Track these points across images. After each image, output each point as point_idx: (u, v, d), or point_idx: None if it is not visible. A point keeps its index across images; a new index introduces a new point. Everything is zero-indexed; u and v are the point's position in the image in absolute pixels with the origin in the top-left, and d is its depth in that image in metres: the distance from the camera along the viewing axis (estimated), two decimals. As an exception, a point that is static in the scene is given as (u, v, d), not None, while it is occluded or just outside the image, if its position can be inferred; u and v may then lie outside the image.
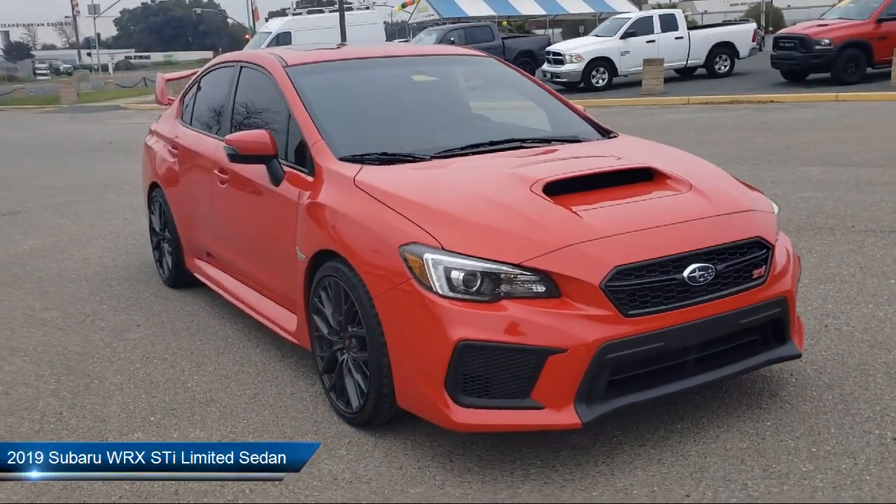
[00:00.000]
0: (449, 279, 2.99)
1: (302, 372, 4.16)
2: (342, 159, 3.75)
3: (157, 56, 61.06)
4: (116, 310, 5.38)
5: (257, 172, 4.17)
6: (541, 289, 2.97)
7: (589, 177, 3.45)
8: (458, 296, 2.98)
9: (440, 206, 3.25)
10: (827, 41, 18.40)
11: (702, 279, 3.07)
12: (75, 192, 10.08)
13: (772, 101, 16.82)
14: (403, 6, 40.60)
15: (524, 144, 4.04)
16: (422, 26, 34.01)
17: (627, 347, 2.96)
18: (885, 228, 6.17)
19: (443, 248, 3.03)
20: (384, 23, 30.05)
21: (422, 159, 3.78)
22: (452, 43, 21.56)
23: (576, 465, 3.14)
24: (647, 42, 20.81)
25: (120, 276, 6.14)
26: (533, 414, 2.96)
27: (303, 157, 3.97)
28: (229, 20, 69.96)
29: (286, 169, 3.99)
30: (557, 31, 44.08)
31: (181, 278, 5.63)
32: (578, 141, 4.20)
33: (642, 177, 3.55)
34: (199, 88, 5.49)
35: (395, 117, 4.37)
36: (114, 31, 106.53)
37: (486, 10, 35.98)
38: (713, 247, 3.14)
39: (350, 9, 30.11)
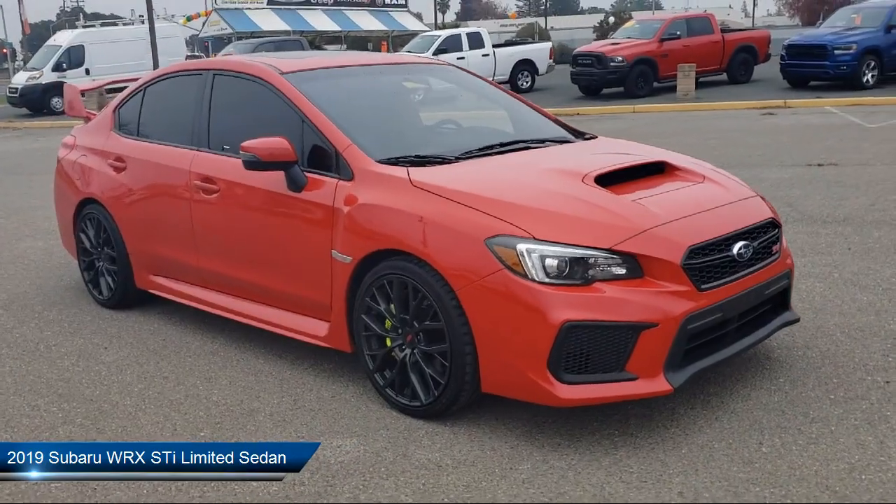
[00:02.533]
0: (544, 266, 3.22)
1: (325, 376, 4.18)
2: (381, 162, 3.85)
3: None
4: (63, 334, 5.02)
5: (267, 179, 4.14)
6: (623, 270, 3.28)
7: (623, 170, 3.81)
8: (555, 281, 3.22)
9: (514, 200, 3.46)
10: (620, 58, 20.23)
11: (745, 255, 3.52)
12: None
13: (578, 114, 18.21)
14: (189, 19, 39.28)
15: (529, 145, 4.32)
16: (218, 40, 33.16)
17: (702, 318, 3.35)
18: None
19: (535, 238, 3.26)
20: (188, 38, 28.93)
21: (450, 161, 3.96)
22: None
23: (650, 431, 3.47)
24: (458, 59, 21.70)
25: (41, 301, 5.70)
26: (629, 385, 3.26)
27: (321, 163, 4.01)
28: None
29: (308, 175, 4.01)
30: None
31: (126, 298, 5.34)
32: (569, 142, 4.55)
33: (659, 169, 3.97)
34: (144, 99, 5.25)
35: (401, 121, 4.50)
36: None
37: (281, 25, 35.71)
38: (749, 226, 3.62)
39: (142, 21, 28.73)
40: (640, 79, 20.32)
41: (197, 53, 31.02)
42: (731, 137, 12.42)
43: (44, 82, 24.02)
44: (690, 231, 3.42)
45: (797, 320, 4.05)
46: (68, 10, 39.86)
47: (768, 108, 16.69)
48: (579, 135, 4.76)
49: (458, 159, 3.99)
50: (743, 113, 16.48)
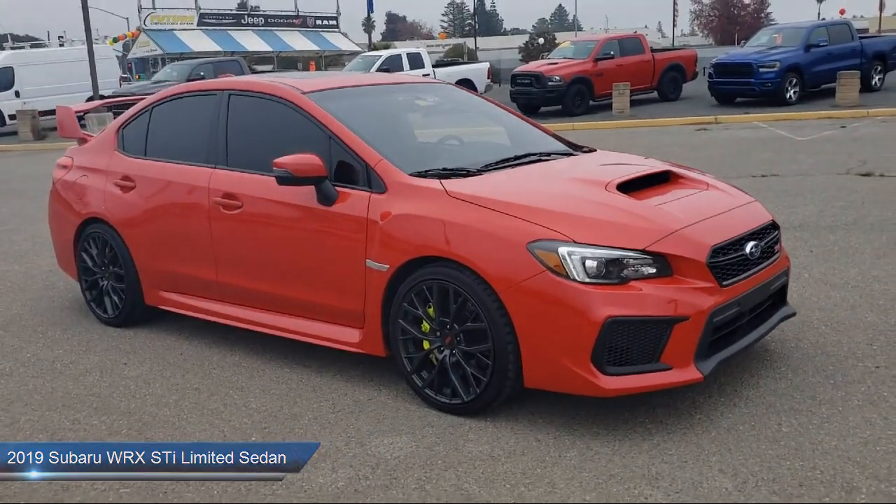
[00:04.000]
0: (584, 268, 3.50)
1: (356, 382, 4.35)
2: (413, 175, 4.08)
3: None
4: (76, 353, 5.06)
5: (295, 194, 4.31)
6: (654, 270, 3.58)
7: (640, 178, 4.13)
8: (596, 281, 3.50)
9: (550, 207, 3.73)
10: (558, 78, 20.84)
11: (755, 254, 3.87)
12: None
13: (520, 131, 18.69)
14: (115, 41, 38.63)
15: (541, 158, 4.61)
16: (146, 61, 32.71)
17: (725, 311, 3.67)
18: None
19: (575, 242, 3.53)
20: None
21: (475, 173, 4.21)
22: (202, 77, 21.17)
23: (677, 418, 3.76)
24: (398, 78, 22.05)
25: (40, 321, 5.70)
26: (664, 374, 3.55)
27: (349, 177, 4.21)
28: None
29: (339, 189, 4.20)
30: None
31: (134, 315, 5.41)
32: (573, 154, 4.86)
33: (666, 178, 4.30)
34: (151, 119, 5.35)
35: (416, 137, 4.72)
36: None
37: (211, 46, 35.45)
38: (756, 228, 3.97)
39: (71, 43, 28.17)
40: (577, 97, 20.97)
41: (125, 75, 30.43)
42: (673, 152, 13.00)
43: (-32, 104, 23.33)
44: (711, 232, 3.74)
45: (794, 314, 4.42)
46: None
47: (702, 124, 17.48)
48: (578, 148, 5.07)
49: (479, 172, 4.24)
50: (678, 129, 17.21)
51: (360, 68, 22.65)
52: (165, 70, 24.54)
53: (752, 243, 3.87)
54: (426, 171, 4.13)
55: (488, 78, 24.08)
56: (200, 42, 35.31)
